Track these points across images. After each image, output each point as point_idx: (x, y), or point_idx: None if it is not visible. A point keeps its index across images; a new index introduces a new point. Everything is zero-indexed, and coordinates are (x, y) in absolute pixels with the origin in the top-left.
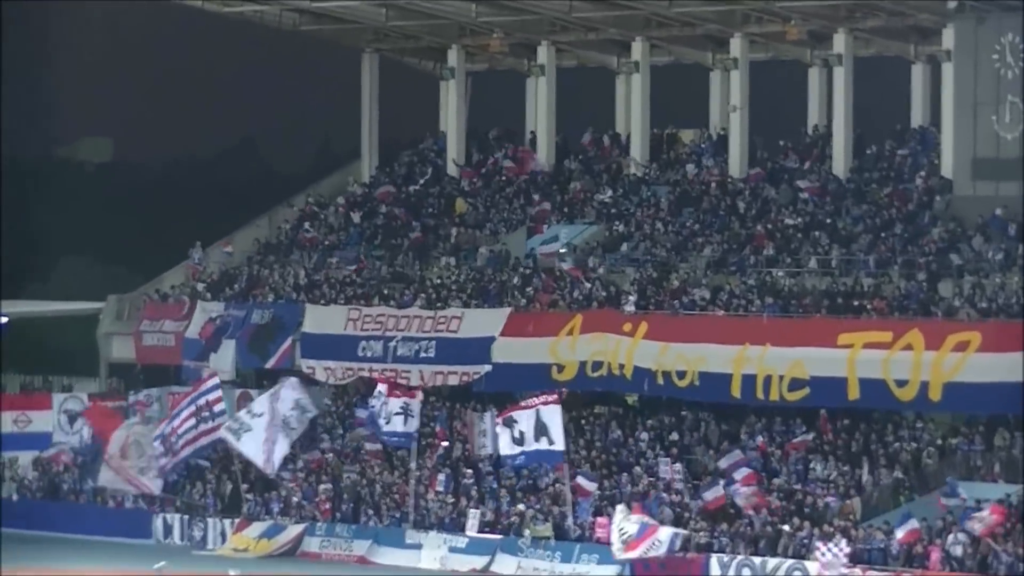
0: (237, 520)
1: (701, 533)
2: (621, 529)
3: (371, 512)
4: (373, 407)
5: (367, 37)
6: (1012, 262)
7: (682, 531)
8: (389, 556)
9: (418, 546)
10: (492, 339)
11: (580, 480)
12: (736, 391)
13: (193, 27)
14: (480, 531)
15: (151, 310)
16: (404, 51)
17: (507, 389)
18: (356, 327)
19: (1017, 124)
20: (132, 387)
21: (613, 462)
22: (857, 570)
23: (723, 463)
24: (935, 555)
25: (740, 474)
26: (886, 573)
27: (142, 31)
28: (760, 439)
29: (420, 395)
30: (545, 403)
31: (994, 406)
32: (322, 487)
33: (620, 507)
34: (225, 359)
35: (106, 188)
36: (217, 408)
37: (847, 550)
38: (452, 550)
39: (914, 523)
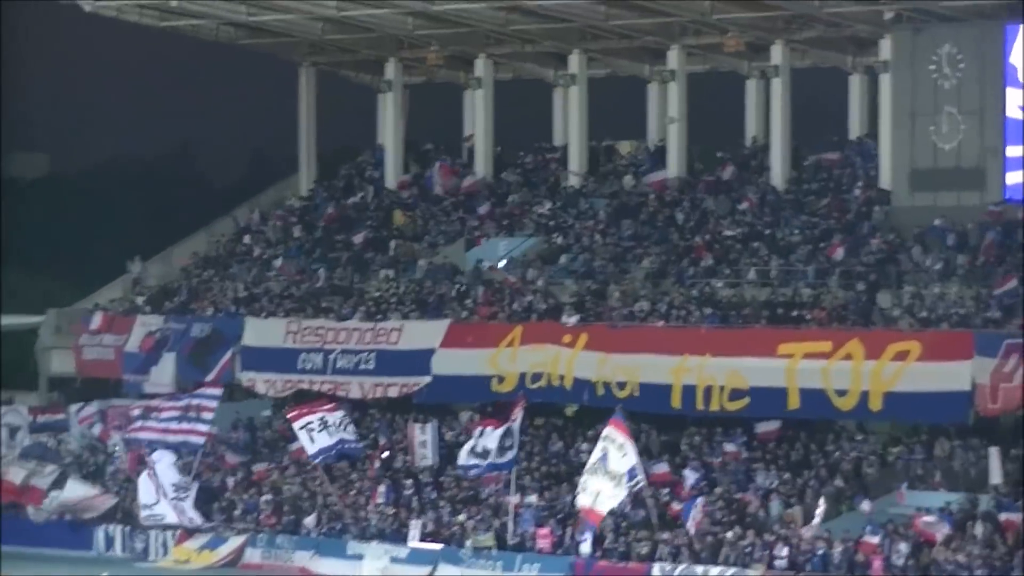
0: (179, 532)
1: (642, 543)
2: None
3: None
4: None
5: (304, 50)
6: (951, 272)
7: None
8: (331, 567)
9: (360, 556)
10: (432, 351)
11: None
12: (676, 402)
13: (130, 42)
14: (422, 541)
15: (90, 324)
16: (341, 64)
17: (447, 400)
18: (296, 340)
19: (955, 134)
20: (72, 400)
21: (554, 473)
22: None
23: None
24: (877, 563)
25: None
26: None
27: (78, 45)
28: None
29: (336, 407)
30: (515, 418)
31: (934, 415)
32: (263, 498)
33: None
34: (165, 372)
35: (43, 202)
36: (204, 415)
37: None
38: (394, 560)
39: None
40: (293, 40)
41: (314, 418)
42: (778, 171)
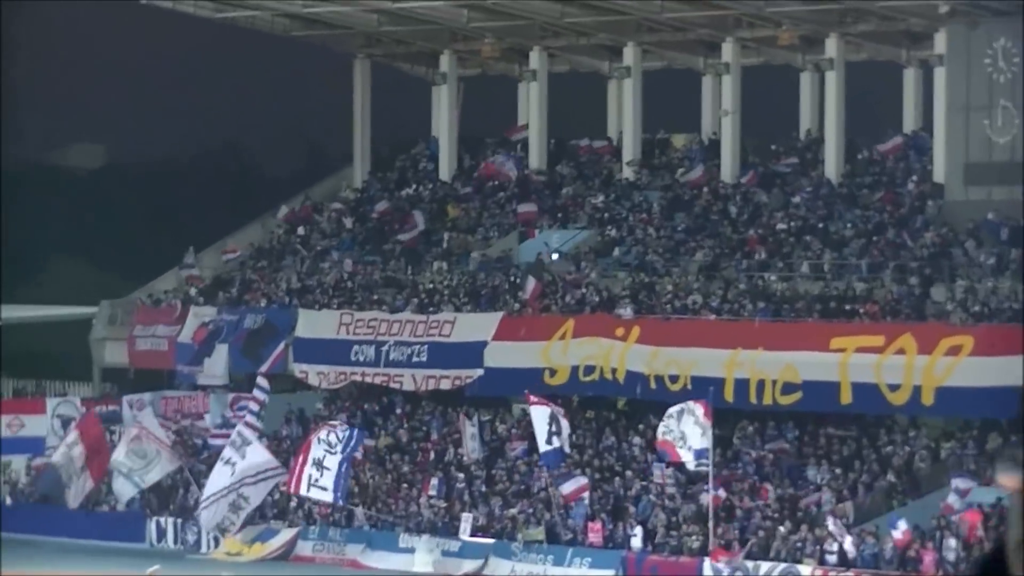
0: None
1: (694, 537)
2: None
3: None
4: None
5: (359, 42)
6: (1004, 266)
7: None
8: (382, 560)
9: (411, 550)
10: (484, 343)
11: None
12: (729, 395)
13: (184, 33)
14: (473, 535)
15: (144, 315)
16: (396, 56)
17: (499, 393)
18: (349, 331)
19: (1009, 128)
20: (125, 391)
21: (606, 467)
22: (850, 573)
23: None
24: (928, 558)
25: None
26: None
27: (134, 36)
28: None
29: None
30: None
31: (987, 410)
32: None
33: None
34: (218, 364)
35: (99, 193)
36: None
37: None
38: (445, 554)
39: (904, 525)
40: (348, 32)
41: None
42: (832, 164)
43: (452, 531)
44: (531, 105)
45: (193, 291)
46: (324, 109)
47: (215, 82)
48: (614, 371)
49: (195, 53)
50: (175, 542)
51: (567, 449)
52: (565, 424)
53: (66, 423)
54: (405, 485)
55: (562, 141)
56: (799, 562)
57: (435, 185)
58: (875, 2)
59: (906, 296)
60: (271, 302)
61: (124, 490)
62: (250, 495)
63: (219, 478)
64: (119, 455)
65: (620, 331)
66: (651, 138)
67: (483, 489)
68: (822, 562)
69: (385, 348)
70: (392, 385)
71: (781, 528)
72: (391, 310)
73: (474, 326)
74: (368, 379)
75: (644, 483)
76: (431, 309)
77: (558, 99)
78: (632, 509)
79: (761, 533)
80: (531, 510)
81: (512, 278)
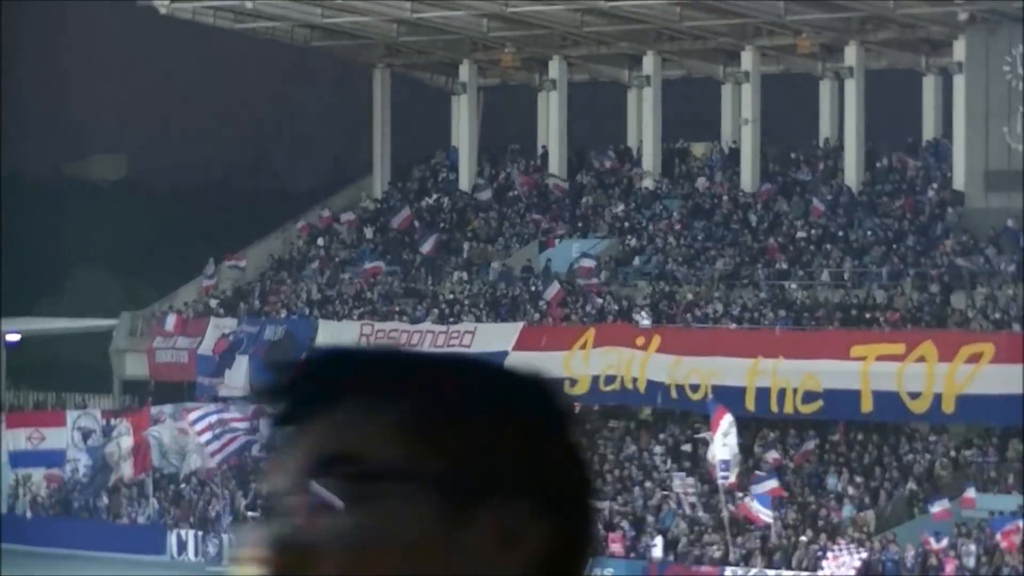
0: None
1: (715, 546)
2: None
3: None
4: None
5: (379, 53)
6: None
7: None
8: None
9: None
10: (505, 353)
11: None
12: (750, 404)
13: (205, 44)
14: None
15: (165, 327)
16: (416, 66)
17: None
18: (369, 342)
19: None
20: (145, 403)
21: (627, 476)
22: None
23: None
24: (950, 566)
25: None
26: None
27: (154, 48)
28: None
29: None
30: None
31: (1007, 417)
32: None
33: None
34: (239, 375)
35: (119, 205)
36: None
37: (857, 562)
38: None
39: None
40: (368, 42)
41: None
42: (852, 172)
43: None
44: (551, 114)
45: (213, 303)
46: (344, 119)
47: (235, 93)
48: (635, 380)
49: (216, 64)
50: (196, 554)
51: None
52: None
53: (86, 435)
54: None
55: (582, 151)
56: (818, 571)
57: (455, 195)
58: (895, 10)
59: (927, 304)
60: (291, 313)
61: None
62: None
63: None
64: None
65: (641, 340)
66: (671, 147)
67: None
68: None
69: None
70: None
71: (803, 537)
72: (411, 321)
73: (495, 336)
74: None
75: (665, 493)
76: (451, 319)
77: (578, 108)
78: (652, 519)
79: (783, 542)
80: None
81: (533, 287)
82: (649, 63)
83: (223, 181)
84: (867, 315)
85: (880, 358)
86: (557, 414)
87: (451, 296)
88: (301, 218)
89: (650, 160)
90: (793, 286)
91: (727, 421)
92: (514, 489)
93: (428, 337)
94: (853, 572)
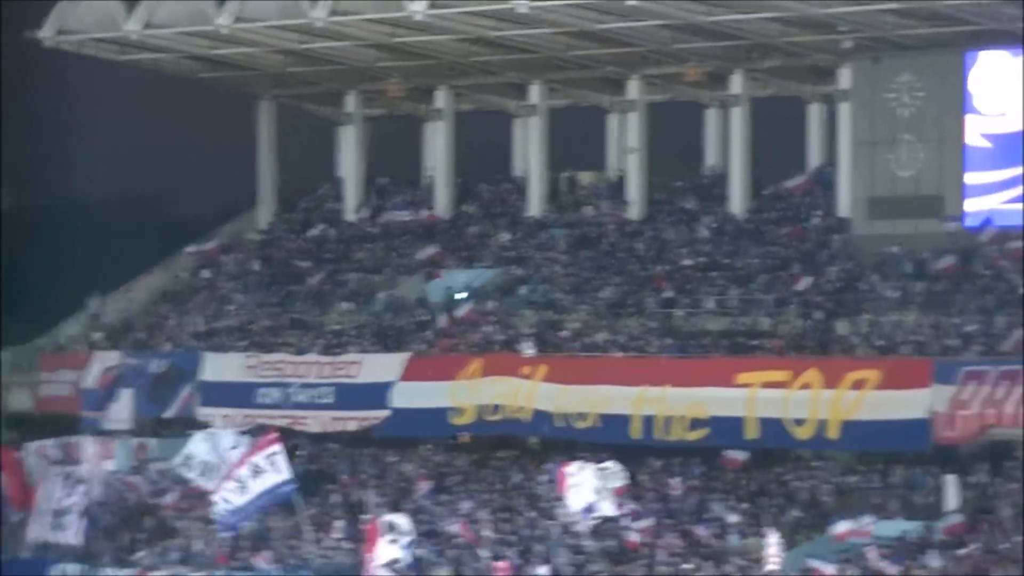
0: (136, 572)
1: (600, 575)
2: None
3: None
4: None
5: (266, 84)
6: (909, 299)
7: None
8: None
9: None
10: (391, 384)
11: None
12: (637, 432)
13: (88, 75)
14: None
15: (49, 361)
16: (302, 97)
17: (407, 434)
18: (254, 374)
19: (913, 162)
20: (30, 438)
21: (513, 507)
22: None
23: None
24: None
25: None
26: None
27: (33, 78)
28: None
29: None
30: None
31: (892, 443)
32: (221, 534)
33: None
34: (123, 409)
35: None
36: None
37: None
38: None
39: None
40: (254, 73)
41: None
42: (737, 200)
43: (359, 573)
44: (437, 144)
45: (97, 336)
46: (230, 151)
47: (119, 125)
48: (521, 410)
49: (99, 96)
50: None
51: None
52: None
53: None
54: (313, 527)
55: (468, 181)
56: None
57: (341, 226)
58: (780, 38)
59: (811, 330)
60: (176, 346)
61: None
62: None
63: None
64: None
65: (527, 370)
66: (557, 176)
67: None
68: None
69: (291, 390)
70: (298, 427)
71: (688, 565)
72: (297, 352)
73: (381, 366)
74: (274, 421)
75: (551, 522)
76: (337, 350)
77: (464, 138)
78: (539, 547)
79: (667, 570)
80: (439, 549)
81: (419, 317)
82: (535, 92)
83: (106, 213)
84: (752, 342)
85: (766, 385)
86: None
87: (337, 327)
88: (186, 250)
89: (536, 189)
90: (679, 314)
91: (574, 470)
92: None
93: (314, 368)
94: None
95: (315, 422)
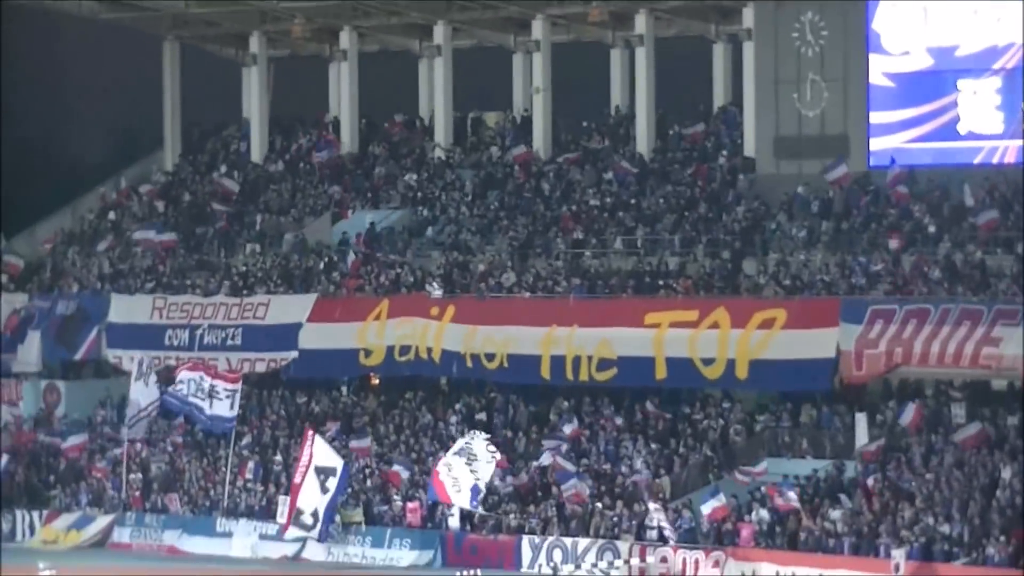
0: (46, 512)
1: (511, 516)
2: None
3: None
4: (181, 391)
5: (167, 24)
6: (816, 239)
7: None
8: (200, 545)
9: (228, 534)
10: (299, 325)
11: (395, 467)
12: (546, 372)
13: None
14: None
15: None
16: (205, 38)
17: (315, 375)
18: (162, 316)
19: (818, 102)
20: None
21: (423, 447)
22: (668, 549)
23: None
24: (746, 531)
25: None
26: (697, 550)
27: None
28: (573, 425)
29: (240, 381)
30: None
31: (800, 383)
32: (131, 476)
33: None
34: (31, 351)
35: None
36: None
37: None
38: (263, 538)
39: (720, 499)
40: (156, 14)
41: (221, 384)
42: (643, 141)
43: (270, 515)
44: (342, 85)
45: (4, 278)
46: (134, 93)
47: (22, 67)
48: (430, 351)
49: (2, 39)
50: None
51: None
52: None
53: None
54: (222, 469)
55: (373, 121)
56: (617, 538)
57: (247, 167)
58: None
59: (719, 270)
60: (83, 288)
61: None
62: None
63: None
64: None
65: (435, 311)
66: (463, 117)
67: None
68: (640, 538)
69: (199, 332)
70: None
71: (599, 504)
72: (204, 293)
73: (288, 308)
74: (181, 363)
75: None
76: (245, 292)
77: (369, 79)
78: None
79: (579, 510)
80: (349, 491)
81: (326, 259)
82: (440, 33)
83: (10, 155)
84: (660, 282)
85: (673, 325)
86: None
87: (244, 268)
88: (92, 192)
89: (442, 130)
90: (587, 254)
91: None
92: None
93: (221, 310)
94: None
95: (224, 364)
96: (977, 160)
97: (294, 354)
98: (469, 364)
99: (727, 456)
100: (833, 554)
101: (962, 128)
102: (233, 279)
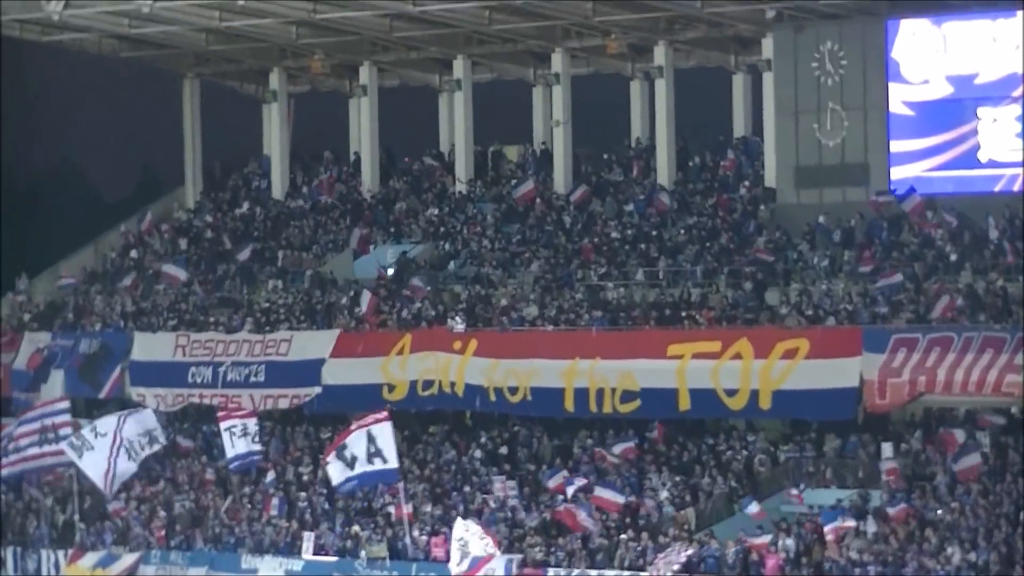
0: (71, 551)
1: (537, 548)
2: (461, 540)
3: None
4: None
5: (187, 61)
6: (837, 268)
7: (516, 556)
8: None
9: (254, 570)
10: (322, 361)
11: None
12: (569, 405)
13: (13, 56)
14: (316, 553)
15: None
16: (226, 75)
17: (338, 410)
18: (185, 353)
19: (838, 131)
20: None
21: (447, 481)
22: None
23: (551, 483)
24: (771, 562)
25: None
26: None
27: None
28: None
29: (254, 415)
30: (376, 421)
31: (823, 412)
32: (157, 515)
33: (460, 521)
34: (55, 389)
35: None
36: (62, 432)
37: (683, 559)
38: (289, 573)
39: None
40: (177, 52)
41: (237, 422)
42: (664, 172)
43: (295, 551)
44: (362, 120)
45: (26, 317)
46: (155, 130)
47: (46, 105)
48: (453, 384)
49: (25, 76)
50: (15, 571)
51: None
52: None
53: None
54: (248, 506)
55: (394, 156)
56: (642, 569)
57: (268, 204)
58: (702, 9)
59: (741, 301)
60: (106, 325)
61: None
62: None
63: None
64: None
65: (457, 344)
66: (484, 151)
67: (325, 507)
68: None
69: (222, 369)
70: (230, 406)
71: (623, 536)
72: (227, 330)
73: (311, 344)
74: (206, 400)
75: (485, 496)
76: (267, 328)
77: (389, 114)
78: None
79: (604, 542)
80: (373, 526)
81: (349, 293)
82: (459, 67)
83: (33, 193)
84: (682, 313)
85: (696, 356)
86: None
87: (266, 304)
88: (113, 230)
89: (463, 164)
90: (609, 286)
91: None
92: None
93: (244, 346)
94: (677, 569)
95: (247, 400)
96: (998, 188)
97: (317, 390)
98: (492, 397)
99: (752, 486)
100: None
101: (983, 156)
102: (256, 315)
